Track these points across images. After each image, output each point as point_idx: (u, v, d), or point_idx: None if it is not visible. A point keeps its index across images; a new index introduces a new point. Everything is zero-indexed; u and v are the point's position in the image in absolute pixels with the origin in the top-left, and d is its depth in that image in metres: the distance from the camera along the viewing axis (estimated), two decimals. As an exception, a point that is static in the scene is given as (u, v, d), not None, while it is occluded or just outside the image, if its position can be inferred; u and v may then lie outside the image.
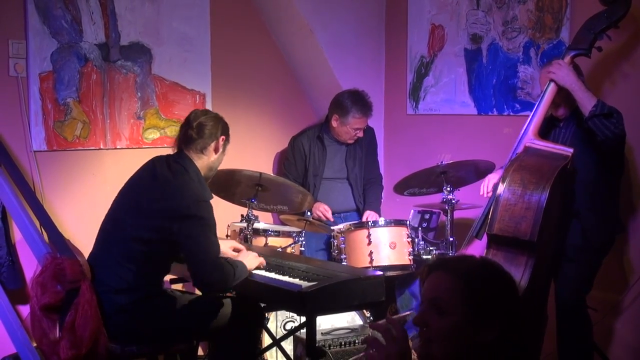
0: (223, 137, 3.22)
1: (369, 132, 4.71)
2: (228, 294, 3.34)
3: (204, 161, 3.19)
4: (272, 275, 3.18)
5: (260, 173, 3.86)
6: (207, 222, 3.01)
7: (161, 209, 2.99)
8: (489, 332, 1.71)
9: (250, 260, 3.21)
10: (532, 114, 3.51)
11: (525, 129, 3.48)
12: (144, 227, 3.00)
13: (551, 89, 3.45)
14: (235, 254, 3.37)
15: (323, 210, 4.44)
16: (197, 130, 3.16)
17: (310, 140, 4.65)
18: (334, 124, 4.54)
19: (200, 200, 3.02)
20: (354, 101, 4.47)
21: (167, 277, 3.64)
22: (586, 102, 3.31)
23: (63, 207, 4.03)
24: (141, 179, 3.18)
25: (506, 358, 1.75)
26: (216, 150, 3.21)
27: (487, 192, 3.62)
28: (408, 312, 1.77)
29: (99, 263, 3.09)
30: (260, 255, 3.48)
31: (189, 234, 2.95)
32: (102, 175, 4.15)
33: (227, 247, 3.42)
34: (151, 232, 2.99)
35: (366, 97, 4.52)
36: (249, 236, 3.90)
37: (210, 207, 3.05)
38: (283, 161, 4.89)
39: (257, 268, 3.26)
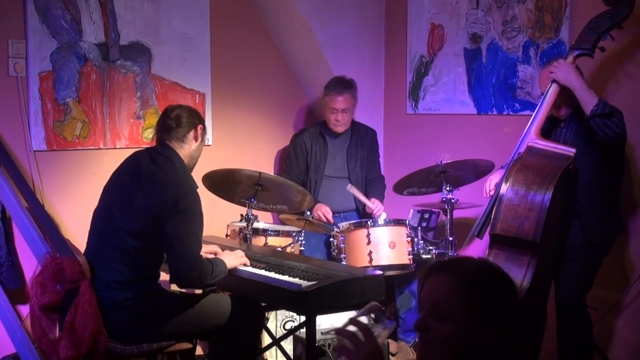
0: (200, 125, 3.28)
1: (370, 134, 4.73)
2: (228, 293, 3.34)
3: (186, 150, 3.24)
4: (272, 274, 3.18)
5: (260, 173, 3.86)
6: (193, 216, 3.05)
7: (151, 203, 3.01)
8: (491, 335, 1.70)
9: (231, 260, 3.24)
10: (534, 114, 3.51)
11: (528, 129, 3.48)
12: (135, 221, 3.02)
13: (553, 89, 3.45)
14: (209, 256, 3.39)
15: (324, 211, 4.43)
16: (176, 120, 3.23)
17: (312, 137, 4.67)
18: (323, 111, 4.62)
19: (187, 192, 3.06)
20: (330, 82, 4.58)
21: (167, 277, 3.64)
22: (587, 101, 3.31)
23: (63, 207, 4.03)
24: (127, 173, 3.20)
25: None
26: (196, 139, 3.26)
27: (490, 191, 3.62)
28: (374, 304, 1.73)
29: (95, 258, 3.11)
30: (259, 254, 3.49)
31: (173, 227, 2.98)
32: (101, 174, 4.12)
33: (204, 252, 3.43)
34: (142, 226, 3.01)
35: (343, 78, 4.58)
36: (248, 235, 3.90)
37: (197, 198, 3.09)
38: (284, 159, 4.89)
39: (242, 264, 3.28)
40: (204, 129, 3.32)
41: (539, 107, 3.49)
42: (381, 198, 4.61)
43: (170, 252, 3.02)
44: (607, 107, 3.27)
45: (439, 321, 1.72)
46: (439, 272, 1.77)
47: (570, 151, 3.31)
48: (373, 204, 4.41)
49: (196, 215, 3.07)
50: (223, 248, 3.48)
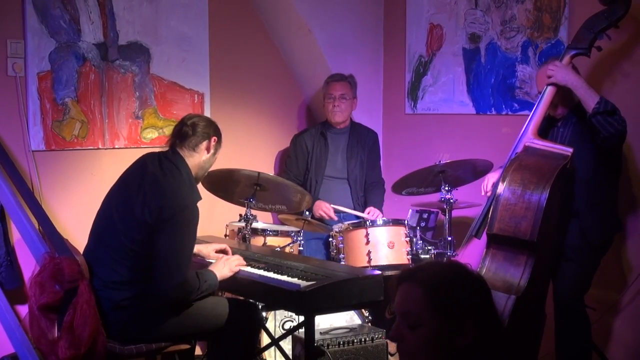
0: (215, 138, 3.25)
1: (372, 135, 4.74)
2: (226, 295, 3.34)
3: (196, 159, 3.21)
4: (271, 274, 3.18)
5: (259, 172, 3.86)
6: (186, 232, 3.01)
7: (149, 209, 2.99)
8: (465, 335, 1.69)
9: (224, 271, 3.18)
10: (531, 114, 3.51)
11: (525, 129, 3.49)
12: (133, 226, 3.00)
13: (550, 90, 3.46)
14: (219, 255, 3.39)
15: (325, 209, 4.43)
16: (191, 127, 3.21)
17: (313, 137, 4.68)
18: (323, 106, 4.67)
19: (185, 206, 3.01)
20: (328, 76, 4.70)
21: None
22: (589, 100, 3.31)
23: (61, 207, 4.03)
24: (132, 176, 3.18)
25: (490, 358, 1.72)
26: (208, 150, 3.23)
27: (487, 191, 3.62)
28: None
29: (94, 258, 3.10)
30: (258, 254, 3.49)
31: (164, 243, 2.95)
32: (100, 174, 4.15)
33: (210, 250, 3.45)
34: (139, 232, 2.99)
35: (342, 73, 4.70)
36: (247, 236, 3.90)
37: (195, 212, 3.05)
38: (284, 159, 4.89)
39: (234, 272, 3.22)
40: (218, 142, 3.27)
41: (536, 107, 3.50)
42: (379, 205, 4.60)
43: (157, 269, 2.96)
44: (608, 105, 3.27)
45: (411, 330, 1.71)
46: (406, 280, 1.77)
47: (568, 151, 3.31)
48: (369, 214, 4.39)
49: (190, 231, 3.03)
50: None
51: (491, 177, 3.67)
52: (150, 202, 2.99)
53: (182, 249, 2.99)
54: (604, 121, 3.26)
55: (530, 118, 3.50)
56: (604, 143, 3.32)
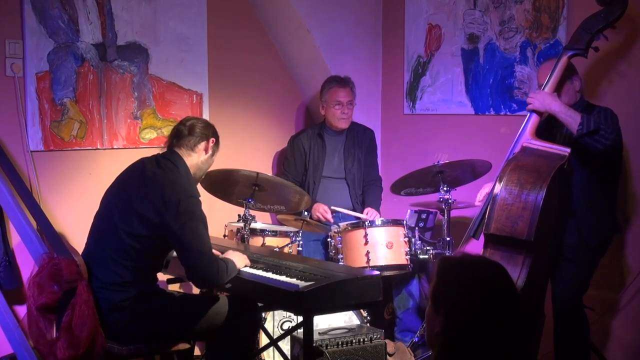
0: (213, 139, 3.28)
1: (368, 134, 4.73)
2: (225, 293, 3.34)
3: (194, 159, 3.23)
4: (269, 275, 3.18)
5: (257, 173, 3.86)
6: (199, 217, 3.03)
7: (151, 203, 3.00)
8: (438, 320, 1.77)
9: (240, 260, 3.22)
10: (529, 115, 3.51)
11: (523, 129, 3.49)
12: (135, 222, 3.01)
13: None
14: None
15: (322, 211, 4.43)
16: (189, 128, 3.23)
17: (310, 139, 4.67)
18: (323, 112, 4.62)
19: (189, 196, 3.04)
20: (328, 79, 4.62)
21: (165, 277, 3.65)
22: (571, 123, 3.32)
23: (60, 207, 4.03)
24: (130, 175, 3.20)
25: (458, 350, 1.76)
26: (206, 151, 3.25)
27: (479, 201, 3.64)
28: None
29: (93, 259, 3.10)
30: (257, 254, 3.49)
31: (182, 226, 2.96)
32: (98, 175, 4.14)
33: None
34: (142, 227, 3.00)
35: (339, 76, 4.63)
36: (246, 236, 3.90)
37: (199, 203, 3.08)
38: (282, 161, 4.89)
39: (245, 266, 3.27)
40: (216, 144, 3.30)
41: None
42: (377, 205, 4.59)
43: (184, 251, 2.98)
44: (591, 124, 3.26)
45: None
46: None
47: (565, 151, 3.31)
48: (368, 215, 4.39)
49: (200, 217, 3.04)
50: (222, 250, 3.46)
51: (486, 187, 3.68)
52: (154, 198, 3.01)
53: (203, 234, 3.01)
54: (591, 140, 3.27)
55: (528, 118, 3.50)
56: (597, 157, 3.32)
